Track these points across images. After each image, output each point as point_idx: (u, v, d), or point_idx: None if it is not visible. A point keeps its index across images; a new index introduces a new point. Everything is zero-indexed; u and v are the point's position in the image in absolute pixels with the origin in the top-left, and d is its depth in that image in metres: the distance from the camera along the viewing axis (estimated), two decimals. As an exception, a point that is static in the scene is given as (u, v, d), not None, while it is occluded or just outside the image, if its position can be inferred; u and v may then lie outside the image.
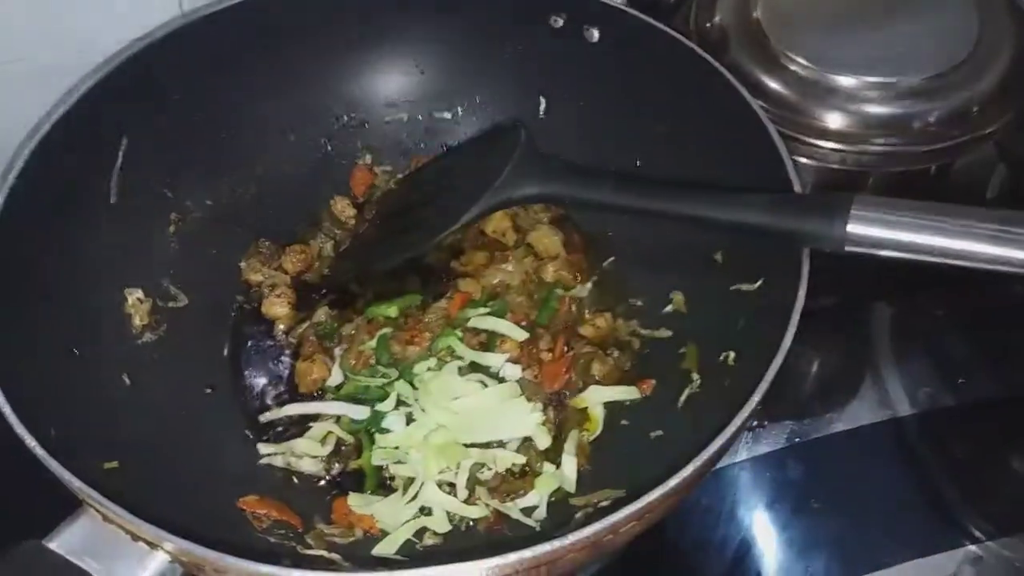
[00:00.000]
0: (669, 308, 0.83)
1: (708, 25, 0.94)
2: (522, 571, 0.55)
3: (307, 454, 0.75)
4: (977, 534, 0.81)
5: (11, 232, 0.68)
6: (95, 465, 0.63)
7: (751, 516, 0.83)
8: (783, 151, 0.74)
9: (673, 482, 0.56)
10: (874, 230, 0.64)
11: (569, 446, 0.75)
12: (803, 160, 0.87)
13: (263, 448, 0.76)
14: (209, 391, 0.79)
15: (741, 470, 0.85)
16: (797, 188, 0.72)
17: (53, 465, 0.57)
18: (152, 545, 0.55)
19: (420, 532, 0.71)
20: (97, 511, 0.55)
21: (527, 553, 0.53)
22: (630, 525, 0.57)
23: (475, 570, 0.54)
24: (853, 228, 0.64)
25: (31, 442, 0.57)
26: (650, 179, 0.73)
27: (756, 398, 0.61)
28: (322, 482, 0.75)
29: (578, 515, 0.70)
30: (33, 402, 0.60)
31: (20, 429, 0.57)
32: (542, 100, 0.93)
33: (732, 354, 0.75)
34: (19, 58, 0.86)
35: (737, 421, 0.60)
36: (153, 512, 0.56)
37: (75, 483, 0.55)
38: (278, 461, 0.76)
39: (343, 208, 0.90)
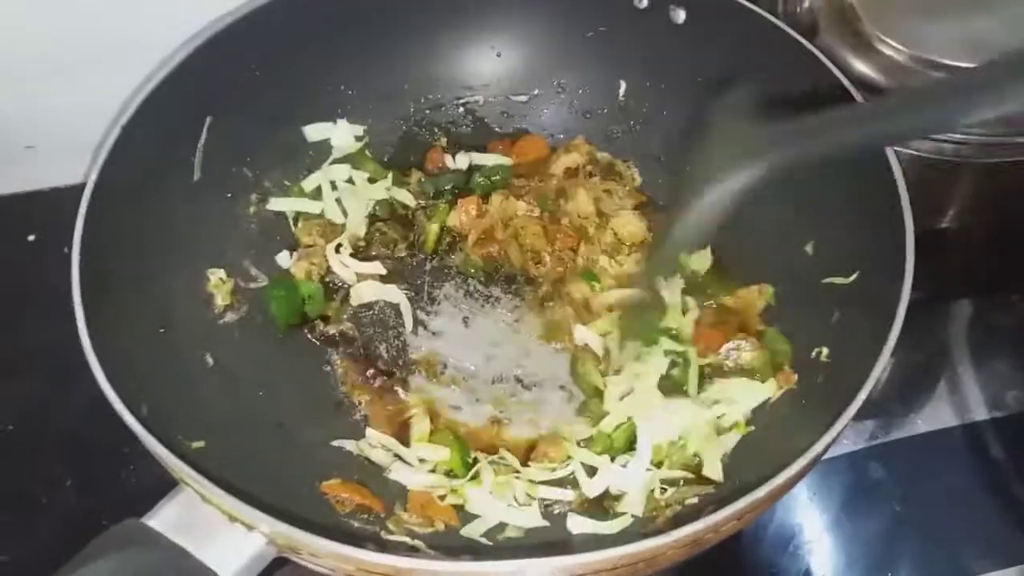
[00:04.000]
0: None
1: (798, 8, 0.91)
2: (617, 568, 0.54)
3: (380, 443, 0.74)
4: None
5: (103, 209, 0.68)
6: (184, 444, 0.63)
7: (829, 515, 0.81)
8: (885, 140, 0.71)
9: (779, 480, 0.55)
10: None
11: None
12: (896, 149, 0.84)
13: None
14: (292, 374, 0.79)
15: (820, 468, 0.82)
16: (898, 177, 0.70)
17: (152, 444, 0.56)
18: (248, 527, 0.54)
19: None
20: (195, 491, 0.55)
21: (628, 549, 0.52)
22: (730, 524, 0.55)
23: (573, 564, 0.52)
24: None
25: (131, 420, 0.57)
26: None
27: (862, 396, 0.59)
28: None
29: (667, 511, 0.68)
30: (126, 380, 0.60)
31: (120, 407, 0.57)
32: (622, 83, 0.91)
33: (825, 350, 0.72)
34: (107, 36, 0.87)
35: (843, 420, 0.58)
36: (240, 493, 0.55)
37: (174, 462, 0.55)
38: (351, 446, 0.75)
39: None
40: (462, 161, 0.90)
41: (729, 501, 0.54)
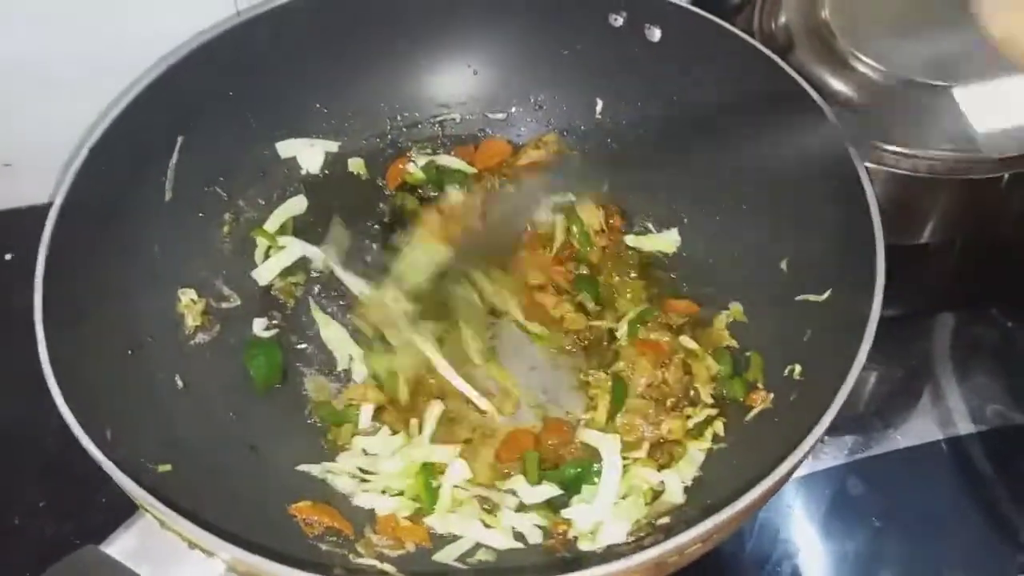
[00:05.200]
0: (728, 318, 0.81)
1: (773, 25, 0.91)
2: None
3: (344, 472, 0.74)
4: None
5: (71, 228, 0.68)
6: (150, 468, 0.63)
7: (810, 532, 0.80)
8: (856, 156, 0.71)
9: (743, 503, 0.54)
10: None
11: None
12: (871, 165, 0.84)
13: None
14: (264, 395, 0.78)
15: (800, 485, 0.82)
16: (870, 194, 0.70)
17: (111, 470, 0.56)
18: (208, 553, 0.54)
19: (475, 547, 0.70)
20: (154, 517, 0.55)
21: (593, 572, 0.51)
22: (695, 547, 0.55)
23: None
24: None
25: (89, 446, 0.57)
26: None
27: (830, 416, 0.59)
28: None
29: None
30: (89, 404, 0.60)
31: (79, 431, 0.57)
32: (599, 101, 0.91)
33: (798, 367, 0.72)
34: (77, 59, 0.87)
35: (811, 439, 0.57)
36: (206, 518, 0.55)
37: (133, 489, 0.55)
38: (316, 471, 0.74)
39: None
40: (422, 162, 0.90)
41: (692, 524, 0.53)
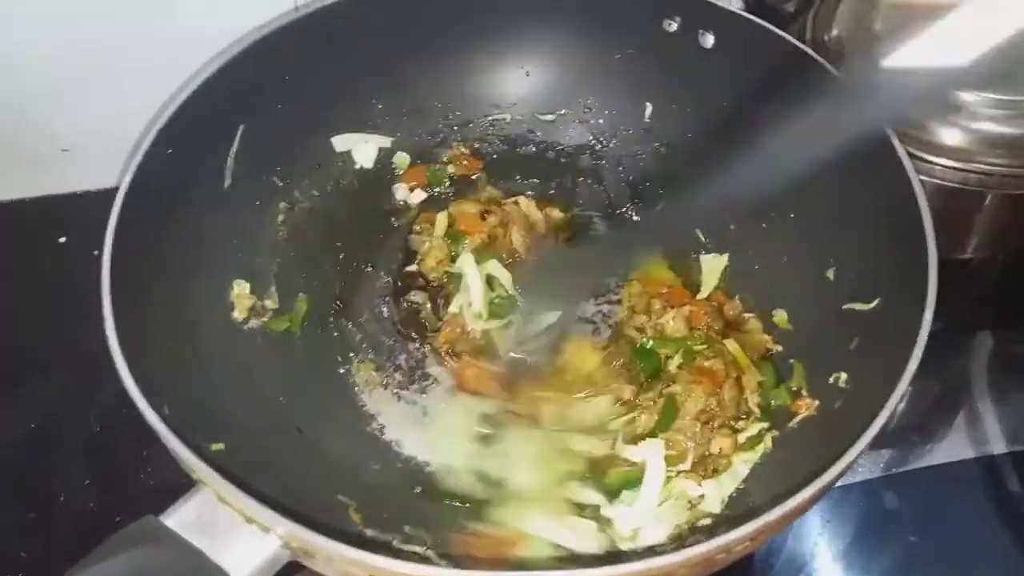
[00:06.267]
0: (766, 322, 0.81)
1: (826, 36, 0.91)
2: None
3: None
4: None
5: (135, 214, 0.69)
6: (204, 446, 0.64)
7: (843, 544, 0.80)
8: (909, 168, 0.72)
9: (791, 503, 0.54)
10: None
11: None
12: (921, 178, 0.84)
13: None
14: (313, 380, 0.79)
15: (834, 497, 0.82)
16: (923, 206, 0.70)
17: (172, 442, 0.57)
18: (264, 528, 0.55)
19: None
20: (212, 491, 0.56)
21: (639, 566, 0.52)
22: (743, 545, 0.55)
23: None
24: None
25: (152, 418, 0.58)
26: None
27: (881, 420, 0.59)
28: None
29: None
30: (149, 381, 0.61)
31: (143, 405, 0.58)
32: (648, 105, 0.92)
33: (843, 376, 0.72)
34: (137, 51, 0.89)
35: (858, 447, 0.57)
36: (257, 494, 0.56)
37: (193, 461, 0.56)
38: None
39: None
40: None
41: (741, 522, 0.54)
